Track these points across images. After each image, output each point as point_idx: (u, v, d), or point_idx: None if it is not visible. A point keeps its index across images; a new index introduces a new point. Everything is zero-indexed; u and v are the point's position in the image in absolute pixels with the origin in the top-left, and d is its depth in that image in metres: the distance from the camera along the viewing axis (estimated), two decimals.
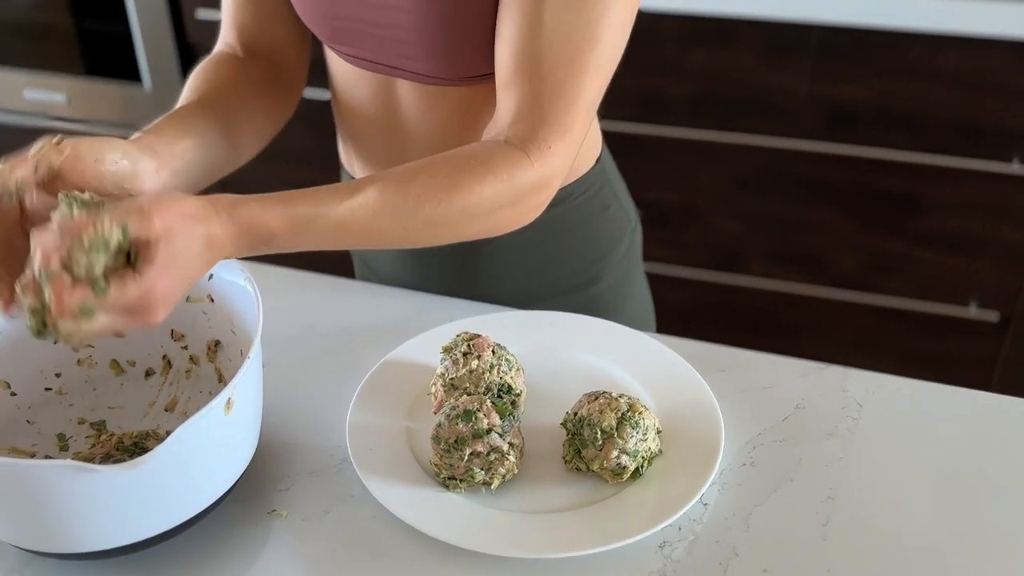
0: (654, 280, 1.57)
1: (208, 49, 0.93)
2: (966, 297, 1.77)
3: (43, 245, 0.61)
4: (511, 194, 0.75)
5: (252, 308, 0.72)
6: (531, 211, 0.79)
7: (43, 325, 0.61)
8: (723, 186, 1.81)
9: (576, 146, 0.78)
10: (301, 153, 1.98)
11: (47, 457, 0.77)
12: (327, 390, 0.87)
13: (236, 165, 0.87)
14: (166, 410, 0.81)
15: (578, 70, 0.76)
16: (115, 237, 0.61)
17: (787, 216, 1.80)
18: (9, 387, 0.77)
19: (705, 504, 0.76)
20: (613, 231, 1.02)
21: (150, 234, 0.62)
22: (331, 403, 0.85)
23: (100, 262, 0.60)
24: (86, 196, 0.64)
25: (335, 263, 1.10)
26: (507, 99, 0.78)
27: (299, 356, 0.91)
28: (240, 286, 0.75)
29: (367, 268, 1.08)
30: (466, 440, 0.74)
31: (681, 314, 1.95)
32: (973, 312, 1.77)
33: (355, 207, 0.70)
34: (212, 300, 0.78)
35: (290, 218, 0.68)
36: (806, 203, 1.78)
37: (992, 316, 1.77)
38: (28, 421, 0.78)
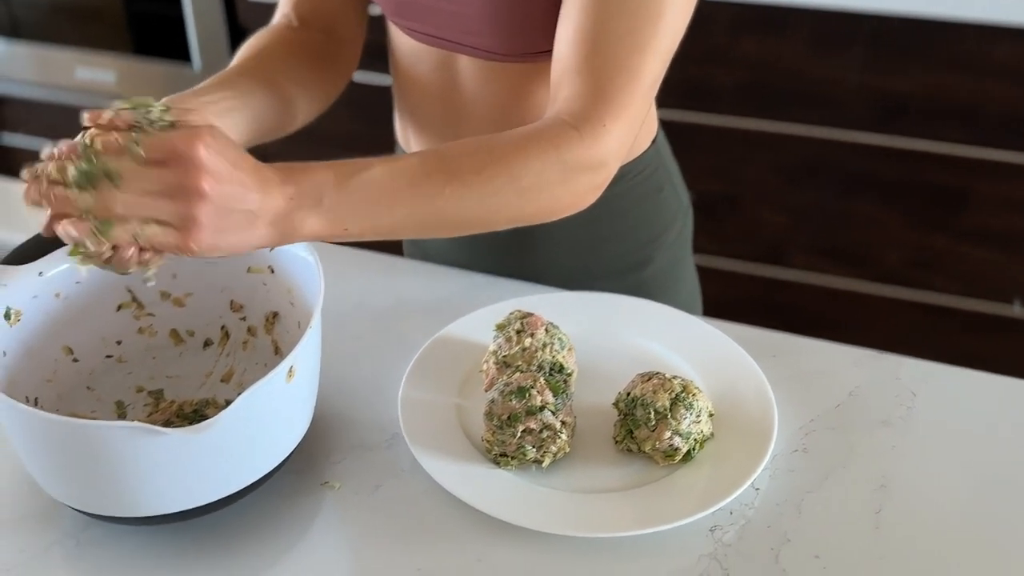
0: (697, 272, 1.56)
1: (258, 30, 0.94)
2: (1010, 295, 1.74)
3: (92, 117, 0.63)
4: (560, 169, 0.73)
5: (311, 280, 0.72)
6: (587, 192, 0.77)
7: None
8: (769, 177, 1.79)
9: (634, 127, 0.77)
10: (348, 138, 1.99)
11: None
12: (379, 366, 0.87)
13: (286, 128, 0.88)
14: (222, 381, 0.82)
15: (639, 49, 0.74)
16: (156, 112, 0.62)
17: (833, 209, 1.78)
18: (72, 353, 0.78)
19: (757, 489, 0.75)
20: (666, 213, 1.02)
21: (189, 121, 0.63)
22: (383, 379, 0.85)
23: (136, 145, 0.60)
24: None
25: (385, 242, 1.11)
26: (566, 77, 0.76)
27: (351, 332, 0.92)
28: (301, 257, 0.75)
29: (416, 247, 1.08)
30: (519, 417, 0.74)
31: (723, 307, 1.92)
32: (1017, 311, 1.74)
33: (395, 169, 0.69)
34: (272, 271, 0.79)
35: (334, 170, 0.67)
36: (853, 196, 1.75)
37: None
38: (88, 388, 0.79)
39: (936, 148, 1.66)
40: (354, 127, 1.96)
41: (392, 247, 1.09)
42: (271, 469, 0.70)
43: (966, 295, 1.76)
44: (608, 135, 0.74)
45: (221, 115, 0.77)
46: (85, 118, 0.64)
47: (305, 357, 0.68)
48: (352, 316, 0.94)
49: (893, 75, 1.63)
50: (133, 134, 0.61)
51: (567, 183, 0.75)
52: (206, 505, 0.67)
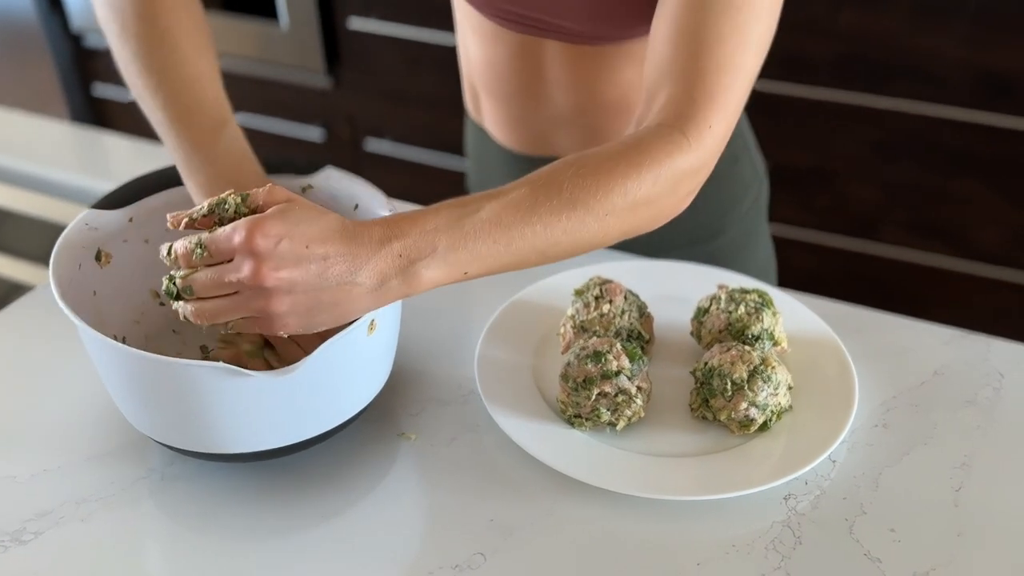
0: (781, 243, 1.53)
1: None
2: None
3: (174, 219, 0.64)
4: (672, 179, 0.69)
5: None
6: (689, 195, 0.74)
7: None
8: (862, 151, 1.74)
9: (733, 123, 0.73)
10: (429, 97, 2.01)
11: None
12: (458, 325, 0.89)
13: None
14: None
15: (742, 46, 0.71)
16: (231, 204, 0.62)
17: (928, 186, 1.73)
18: (158, 297, 0.81)
19: (834, 461, 0.74)
20: (741, 183, 1.00)
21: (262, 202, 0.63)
22: (461, 338, 0.87)
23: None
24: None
25: None
26: (668, 78, 0.72)
27: (431, 292, 0.93)
28: (381, 201, 0.77)
29: None
30: (594, 380, 0.74)
31: (808, 279, 1.90)
32: None
33: (507, 203, 0.66)
34: (356, 207, 0.80)
35: (444, 215, 0.65)
36: (950, 174, 1.70)
37: None
38: (174, 331, 0.83)
39: None
40: (437, 89, 1.98)
41: None
42: (349, 417, 0.72)
43: None
44: (713, 136, 0.71)
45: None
46: (169, 222, 0.65)
47: (386, 311, 0.70)
48: None
49: (997, 50, 1.56)
50: (196, 240, 0.62)
51: (676, 190, 0.72)
52: (287, 447, 0.70)
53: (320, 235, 0.61)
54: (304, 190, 0.80)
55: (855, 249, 1.84)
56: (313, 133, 2.20)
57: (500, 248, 0.66)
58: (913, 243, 1.79)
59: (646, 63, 0.75)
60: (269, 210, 0.62)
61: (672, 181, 0.70)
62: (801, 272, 1.89)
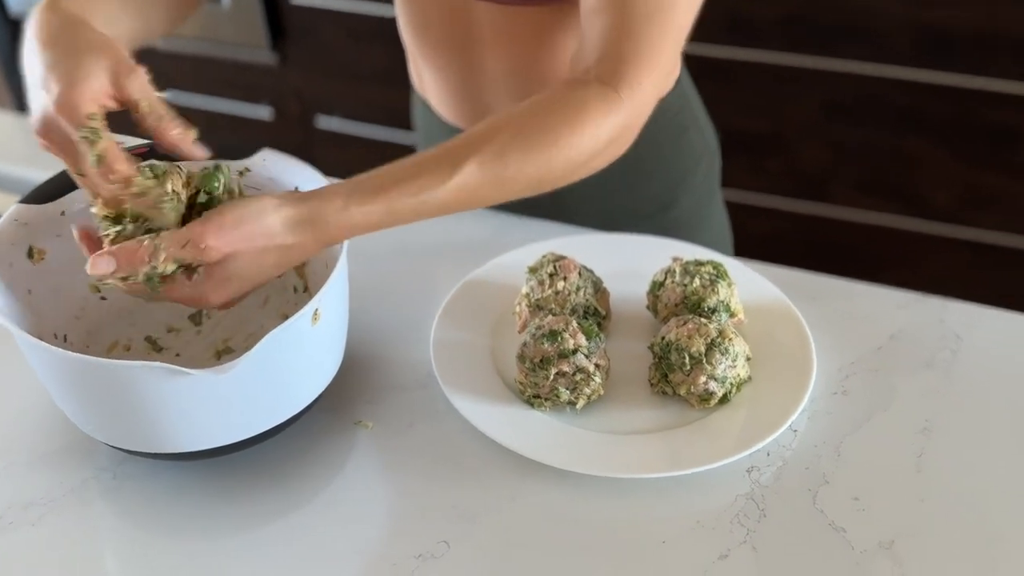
0: (735, 208, 1.53)
1: None
2: None
3: (95, 268, 0.61)
4: (609, 136, 0.71)
5: None
6: (621, 149, 0.75)
7: None
8: (812, 114, 1.74)
9: (665, 78, 0.75)
10: (378, 71, 1.97)
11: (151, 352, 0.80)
12: (411, 307, 0.87)
13: (180, 19, 0.84)
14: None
15: (671, 2, 0.71)
16: (169, 270, 0.61)
17: (879, 146, 1.73)
18: (99, 291, 0.78)
19: (795, 431, 0.74)
20: (691, 154, 0.99)
21: (207, 261, 0.62)
22: (416, 320, 0.85)
23: (156, 285, 0.62)
24: (160, 168, 0.64)
25: None
26: (594, 28, 0.73)
27: (383, 273, 0.91)
28: (316, 177, 0.74)
29: None
30: (552, 360, 0.73)
31: (762, 243, 1.89)
32: None
33: (456, 188, 0.66)
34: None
35: (390, 214, 0.66)
36: (899, 133, 1.71)
37: None
38: (119, 323, 0.80)
39: (987, 85, 1.60)
40: (385, 63, 1.94)
41: None
42: (301, 409, 0.70)
43: (1017, 232, 1.72)
44: (643, 91, 0.72)
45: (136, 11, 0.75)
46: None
47: (331, 300, 0.67)
48: (384, 257, 0.93)
49: (941, 8, 1.57)
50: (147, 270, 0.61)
51: (610, 147, 0.73)
52: (238, 443, 0.68)
53: (265, 277, 0.65)
54: (241, 174, 0.77)
55: (808, 212, 1.85)
56: (262, 112, 2.15)
57: (431, 218, 0.68)
58: (865, 203, 1.80)
59: (582, 5, 0.75)
60: (213, 276, 0.62)
61: (608, 139, 0.72)
62: (756, 237, 1.89)
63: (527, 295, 0.81)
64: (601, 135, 0.70)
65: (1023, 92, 1.59)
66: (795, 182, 1.83)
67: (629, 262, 0.89)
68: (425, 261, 0.93)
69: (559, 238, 0.91)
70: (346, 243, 0.70)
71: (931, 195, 1.75)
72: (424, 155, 0.68)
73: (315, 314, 0.65)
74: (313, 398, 0.71)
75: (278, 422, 0.68)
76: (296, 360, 0.67)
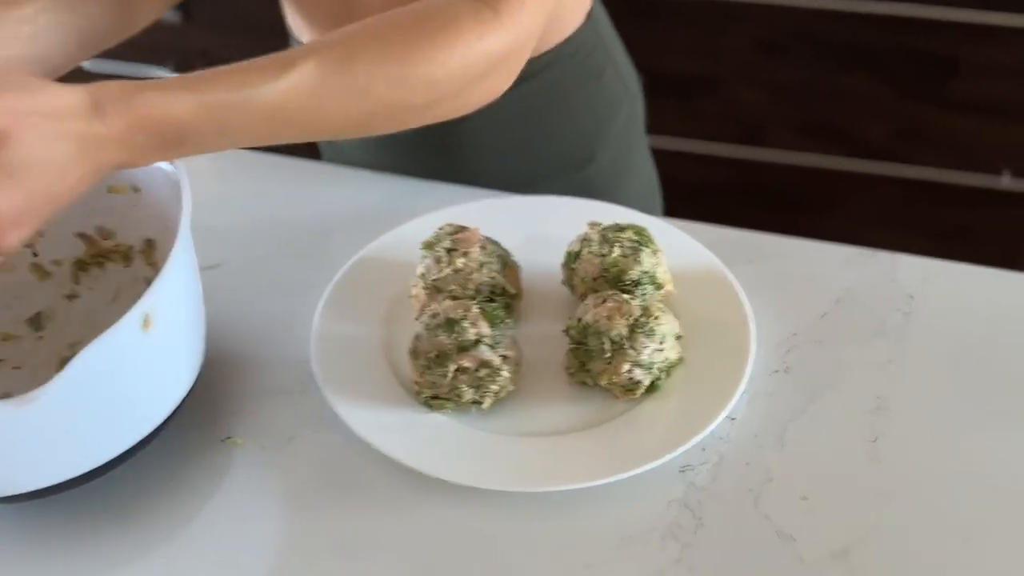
0: (666, 156, 1.43)
1: None
2: (999, 166, 1.64)
3: None
4: (484, 63, 0.60)
5: (181, 200, 0.59)
6: (503, 82, 0.65)
7: None
8: (745, 52, 1.65)
9: (558, 5, 0.64)
10: (257, 23, 1.82)
11: None
12: (293, 294, 0.75)
13: (130, 30, 0.72)
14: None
15: None
16: None
17: (814, 83, 1.65)
18: None
19: (733, 419, 0.65)
20: (609, 100, 0.88)
21: None
22: (296, 311, 0.73)
23: None
24: None
25: (295, 146, 0.97)
26: None
27: (260, 254, 0.79)
28: (165, 171, 0.62)
29: (333, 149, 0.95)
30: (450, 354, 0.62)
31: (696, 193, 1.82)
32: (1006, 182, 1.65)
33: (289, 89, 0.55)
34: (138, 191, 0.66)
35: (206, 108, 0.53)
36: (834, 68, 1.63)
37: None
38: None
39: (922, 12, 1.52)
40: (265, 13, 1.79)
41: (307, 150, 0.96)
42: (149, 432, 0.59)
43: (955, 168, 1.66)
44: (527, 13, 0.62)
45: (34, 40, 0.63)
46: None
47: (168, 298, 0.55)
48: (261, 234, 0.81)
49: None
50: None
51: (487, 76, 0.62)
52: (74, 479, 0.56)
53: (65, 177, 0.52)
54: None
55: (743, 156, 1.76)
56: (165, 74, 1.99)
57: (266, 136, 0.58)
58: (801, 145, 1.72)
59: None
60: None
61: (485, 66, 0.61)
62: (689, 186, 1.80)
63: (423, 275, 0.70)
64: (473, 59, 0.60)
65: (958, 19, 1.51)
66: (730, 126, 1.74)
67: (542, 229, 0.78)
68: (311, 238, 0.81)
69: (460, 205, 0.79)
70: (187, 225, 0.58)
71: (867, 132, 1.68)
72: (265, 56, 0.57)
73: (145, 320, 0.53)
74: (165, 416, 0.60)
75: (119, 451, 0.57)
76: (129, 376, 0.55)
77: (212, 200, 0.83)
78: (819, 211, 1.78)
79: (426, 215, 0.78)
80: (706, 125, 1.75)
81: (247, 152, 0.90)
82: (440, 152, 0.85)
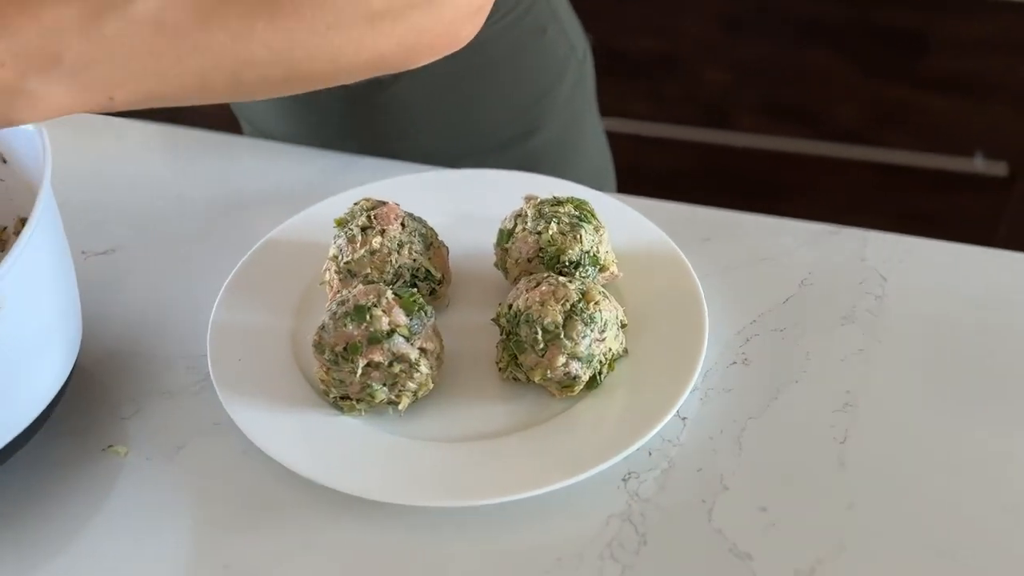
0: (624, 140, 1.36)
1: None
2: (972, 148, 1.59)
3: None
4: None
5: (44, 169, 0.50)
6: (464, 20, 0.51)
7: None
8: (708, 30, 1.58)
9: None
10: None
11: None
12: (196, 281, 0.67)
13: None
14: None
15: None
16: None
17: (780, 62, 1.58)
18: None
19: (684, 419, 0.57)
20: (553, 63, 0.80)
21: None
22: (200, 299, 0.65)
23: None
24: None
25: (215, 118, 0.89)
26: None
27: (162, 236, 0.71)
28: (29, 133, 0.53)
29: (252, 125, 0.86)
30: (359, 347, 0.54)
31: (660, 178, 1.75)
32: (979, 165, 1.59)
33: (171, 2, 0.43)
34: (6, 162, 0.57)
35: (76, 7, 0.42)
36: (801, 46, 1.56)
37: (999, 169, 1.59)
38: None
39: None
40: None
41: (222, 120, 0.87)
42: (7, 443, 0.50)
43: (925, 150, 1.61)
44: None
45: None
46: None
47: (22, 285, 0.47)
48: (164, 215, 0.72)
49: None
50: None
51: (436, 3, 0.49)
52: None
53: None
54: None
55: (709, 140, 1.69)
56: None
57: (164, 64, 0.44)
58: (768, 128, 1.65)
59: None
60: None
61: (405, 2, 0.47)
62: (648, 172, 1.73)
63: (335, 257, 0.62)
64: None
65: None
66: (693, 108, 1.66)
67: (476, 206, 0.70)
68: (219, 219, 0.73)
69: (384, 180, 0.71)
70: (48, 194, 0.49)
71: (834, 114, 1.61)
72: None
73: None
74: (28, 422, 0.51)
75: None
76: None
77: (110, 178, 0.74)
78: (786, 196, 1.72)
79: (348, 191, 0.70)
80: (666, 107, 1.68)
81: (152, 124, 0.81)
82: (364, 125, 0.77)
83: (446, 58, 0.58)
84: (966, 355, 0.60)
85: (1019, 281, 0.65)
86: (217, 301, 0.62)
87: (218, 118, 0.88)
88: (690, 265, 0.64)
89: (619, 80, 1.64)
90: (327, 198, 0.70)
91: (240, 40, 0.45)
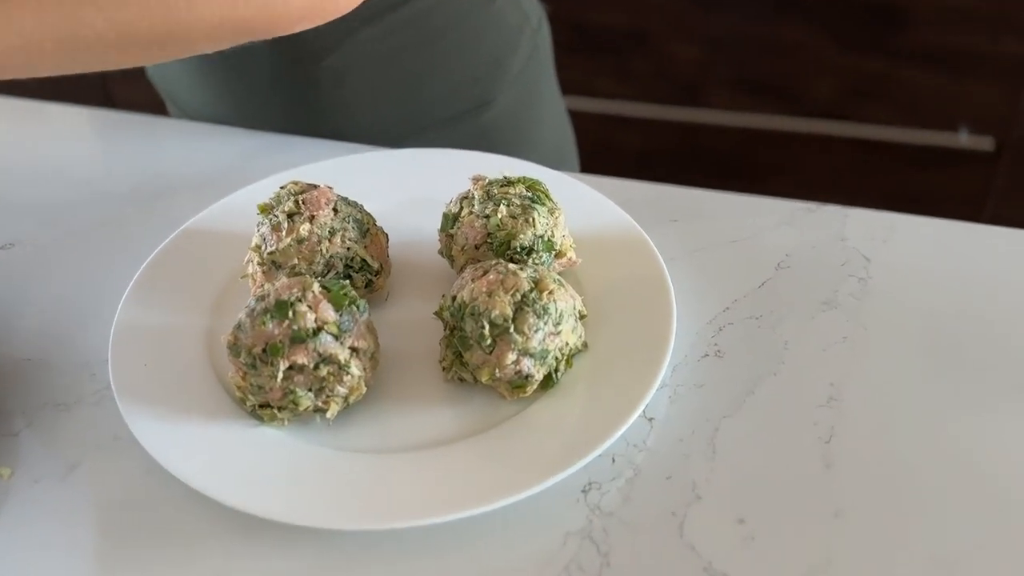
0: (595, 121, 1.29)
1: None
2: (956, 122, 1.53)
3: None
4: None
5: None
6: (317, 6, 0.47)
7: None
8: (678, 3, 1.52)
9: None
10: None
11: None
12: (104, 278, 0.60)
13: None
14: None
15: None
16: None
17: (754, 36, 1.53)
18: None
19: (650, 420, 0.51)
20: (504, 32, 0.73)
21: None
22: (107, 298, 0.58)
23: None
24: None
25: (143, 102, 0.81)
26: None
27: (67, 228, 0.64)
28: None
29: (177, 105, 0.79)
30: (279, 348, 0.47)
31: (629, 159, 1.69)
32: (964, 140, 1.54)
33: None
34: None
35: None
36: (775, 20, 1.50)
37: (985, 143, 1.54)
38: None
39: None
40: None
41: (150, 104, 0.80)
42: None
43: (907, 125, 1.56)
44: None
45: None
46: None
47: None
48: (73, 206, 0.65)
49: None
50: None
51: None
52: None
53: None
54: None
55: (681, 119, 1.63)
56: None
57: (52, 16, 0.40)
58: (742, 104, 1.60)
59: None
60: None
61: None
62: (623, 154, 1.67)
63: (258, 247, 0.55)
64: None
65: None
66: (665, 86, 1.60)
67: (417, 189, 0.64)
68: (133, 210, 0.66)
69: (317, 162, 0.64)
70: None
71: (811, 89, 1.56)
72: None
73: None
74: None
75: None
76: None
77: (8, 166, 0.67)
78: (763, 177, 1.67)
79: (276, 175, 0.63)
80: (635, 84, 1.62)
81: (71, 108, 0.74)
82: (297, 102, 0.70)
83: (386, 27, 0.53)
84: (959, 340, 0.54)
85: (1010, 259, 0.59)
86: (123, 299, 0.55)
87: (146, 101, 0.81)
88: (656, 249, 0.57)
89: (584, 56, 1.58)
90: (253, 183, 0.63)
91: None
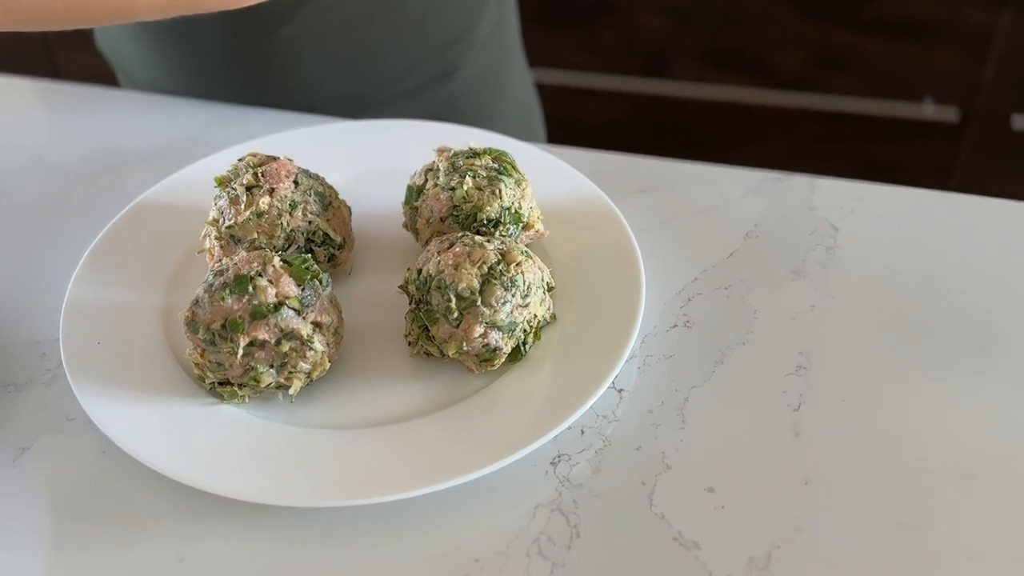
0: (561, 93, 1.28)
1: None
2: (920, 93, 1.54)
3: None
4: None
5: None
6: None
7: None
8: None
9: None
10: None
11: None
12: (54, 254, 0.58)
13: None
14: None
15: None
16: None
17: (720, 8, 1.51)
18: None
19: (620, 391, 0.50)
20: (469, 1, 0.72)
21: None
22: (57, 274, 0.56)
23: None
24: None
25: (89, 72, 0.79)
26: None
27: (13, 204, 0.61)
28: None
29: (127, 77, 0.77)
30: (239, 324, 0.46)
31: (596, 132, 1.68)
32: (929, 111, 1.54)
33: None
34: None
35: None
36: None
37: (950, 114, 1.55)
38: None
39: None
40: None
41: (100, 75, 0.77)
42: None
43: (872, 96, 1.55)
44: None
45: None
46: None
47: None
48: (20, 179, 0.63)
49: None
50: None
51: None
52: None
53: None
54: None
55: (647, 90, 1.62)
56: None
57: None
58: (708, 76, 1.59)
59: None
60: None
61: None
62: (590, 126, 1.66)
63: (216, 221, 0.54)
64: None
65: None
66: (630, 57, 1.59)
67: (380, 161, 0.62)
68: (84, 183, 0.64)
69: (277, 133, 0.63)
70: None
71: (777, 59, 1.55)
72: None
73: None
74: None
75: None
76: None
77: None
78: (732, 148, 1.67)
79: (233, 147, 0.62)
80: (600, 56, 1.60)
81: (16, 79, 0.72)
82: (253, 72, 0.68)
83: None
84: (926, 308, 0.54)
85: (977, 226, 0.59)
86: (74, 275, 0.53)
87: (95, 72, 0.79)
88: (624, 219, 0.57)
89: (549, 28, 1.56)
90: (210, 155, 0.61)
91: None
